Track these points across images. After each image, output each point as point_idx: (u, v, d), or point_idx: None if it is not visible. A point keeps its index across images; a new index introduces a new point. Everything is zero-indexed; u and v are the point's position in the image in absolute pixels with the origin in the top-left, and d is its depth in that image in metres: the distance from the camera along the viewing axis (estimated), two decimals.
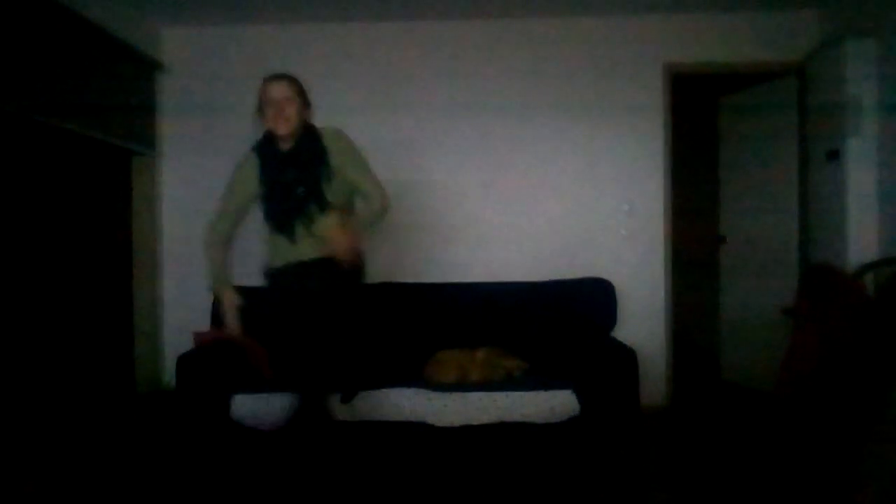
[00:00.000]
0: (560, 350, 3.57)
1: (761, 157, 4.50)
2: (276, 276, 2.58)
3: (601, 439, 3.12)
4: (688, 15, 4.16)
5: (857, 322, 3.00)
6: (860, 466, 2.43)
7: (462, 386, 3.19)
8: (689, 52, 4.18)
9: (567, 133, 4.20)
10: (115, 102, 3.73)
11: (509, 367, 3.40)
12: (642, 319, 4.13)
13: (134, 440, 3.48)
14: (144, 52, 3.97)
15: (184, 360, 3.23)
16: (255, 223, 4.31)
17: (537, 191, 4.20)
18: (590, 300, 3.82)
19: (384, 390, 3.07)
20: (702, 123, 5.23)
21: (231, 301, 2.62)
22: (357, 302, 2.60)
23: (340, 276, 2.46)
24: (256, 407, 3.13)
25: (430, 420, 3.04)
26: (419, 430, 2.99)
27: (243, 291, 3.24)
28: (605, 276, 3.92)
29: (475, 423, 3.05)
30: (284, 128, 2.45)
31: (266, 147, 2.54)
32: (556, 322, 3.76)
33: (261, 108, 2.51)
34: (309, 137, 2.51)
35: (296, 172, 2.46)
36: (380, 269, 3.54)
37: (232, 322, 2.62)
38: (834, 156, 3.73)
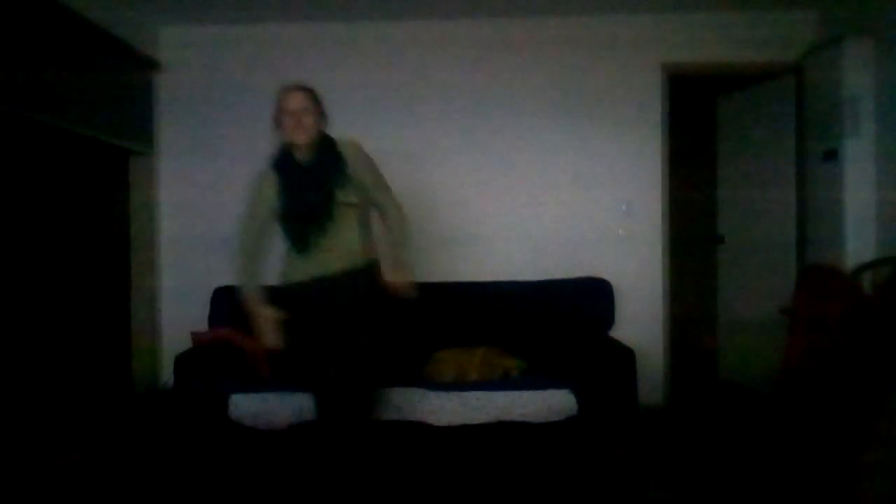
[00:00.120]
0: (558, 349, 3.57)
1: (759, 156, 4.50)
2: (299, 290, 2.53)
3: (599, 438, 3.13)
4: (686, 15, 4.17)
5: (855, 322, 3.01)
6: (859, 467, 2.43)
7: (460, 385, 3.19)
8: (687, 51, 4.18)
9: (565, 133, 4.20)
10: (113, 101, 3.72)
11: (507, 367, 3.40)
12: (640, 319, 4.13)
13: (132, 440, 3.48)
14: (142, 51, 3.97)
15: (182, 360, 3.23)
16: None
17: (535, 190, 4.20)
18: (588, 300, 3.83)
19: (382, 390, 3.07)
20: (700, 123, 5.23)
21: (267, 316, 2.52)
22: (383, 313, 2.60)
23: (365, 289, 2.53)
24: (255, 406, 3.13)
25: (429, 419, 3.04)
26: (418, 430, 2.99)
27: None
28: (603, 275, 3.93)
29: (473, 422, 3.06)
30: (303, 137, 2.45)
31: (283, 160, 2.54)
32: (554, 321, 3.77)
33: (277, 119, 2.51)
34: (326, 147, 2.52)
35: (317, 183, 2.47)
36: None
37: (270, 337, 2.52)
38: (832, 155, 3.73)
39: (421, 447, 2.97)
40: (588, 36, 4.19)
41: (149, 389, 3.99)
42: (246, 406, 3.14)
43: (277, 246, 2.62)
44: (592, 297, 3.83)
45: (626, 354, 3.20)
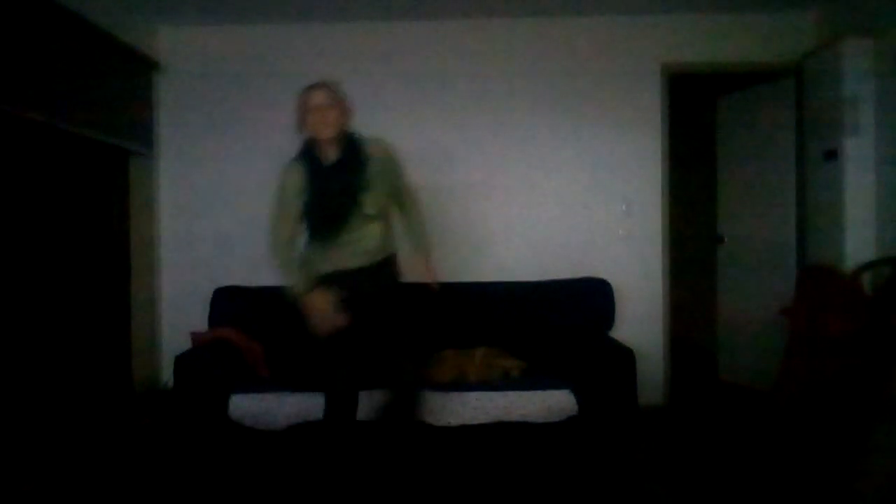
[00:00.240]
0: (558, 350, 3.57)
1: (759, 156, 4.50)
2: (329, 280, 2.56)
3: (599, 439, 3.13)
4: (686, 15, 4.17)
5: (855, 321, 3.01)
6: (859, 467, 2.43)
7: (460, 385, 3.19)
8: (687, 51, 4.18)
9: (565, 133, 4.20)
10: (112, 102, 3.72)
11: (507, 367, 3.40)
12: (640, 319, 4.13)
13: (132, 440, 3.48)
14: (141, 51, 3.96)
15: (182, 360, 3.23)
16: (250, 224, 4.31)
17: (535, 191, 4.20)
18: (588, 300, 3.82)
19: (379, 391, 3.07)
20: (700, 123, 5.23)
21: (321, 299, 2.51)
22: (405, 306, 2.70)
23: (387, 282, 2.63)
24: (255, 406, 3.13)
25: (429, 419, 3.03)
26: (417, 430, 2.98)
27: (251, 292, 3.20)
28: (603, 275, 3.93)
29: (473, 422, 3.06)
30: (327, 132, 2.49)
31: (309, 154, 2.57)
32: (554, 322, 3.76)
33: (301, 117, 2.55)
34: (352, 146, 2.56)
35: (341, 181, 2.51)
36: None
37: (330, 320, 2.49)
38: (832, 155, 3.73)
39: (421, 447, 2.97)
40: (588, 36, 4.19)
41: (149, 389, 3.99)
42: (246, 406, 3.14)
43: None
44: (592, 297, 3.82)
45: (626, 354, 3.20)
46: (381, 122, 4.13)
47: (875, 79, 3.58)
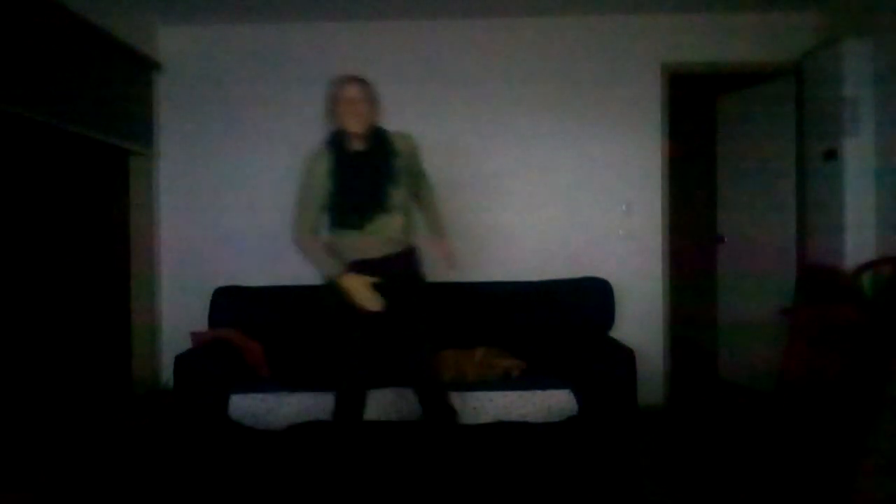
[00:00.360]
0: (558, 350, 3.57)
1: (759, 156, 4.50)
2: (355, 269, 2.58)
3: (599, 439, 3.13)
4: (686, 14, 4.17)
5: (855, 321, 3.01)
6: (858, 466, 2.43)
7: (460, 385, 3.19)
8: (687, 51, 4.18)
9: (565, 133, 4.20)
10: (112, 102, 3.72)
11: (507, 367, 3.40)
12: (640, 319, 4.13)
13: (132, 440, 3.48)
14: (141, 51, 3.96)
15: (182, 360, 3.23)
16: (250, 224, 4.31)
17: (535, 191, 4.20)
18: (588, 300, 3.82)
19: (383, 390, 3.07)
20: (700, 123, 5.23)
21: (358, 281, 2.53)
22: (430, 295, 2.78)
23: (414, 272, 2.72)
24: (255, 406, 3.13)
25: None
26: (417, 430, 2.98)
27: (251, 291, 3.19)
28: (603, 275, 3.93)
29: (473, 422, 3.05)
30: (358, 125, 2.53)
31: (337, 144, 2.60)
32: (554, 321, 3.76)
33: (331, 109, 2.58)
34: (380, 139, 2.61)
35: (369, 172, 2.56)
36: None
37: (370, 301, 2.50)
38: (831, 155, 3.73)
39: (421, 447, 2.97)
40: (588, 36, 4.19)
41: (149, 389, 3.99)
42: (246, 406, 3.14)
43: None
44: (592, 297, 3.82)
45: (626, 355, 3.20)
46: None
47: (875, 79, 3.58)
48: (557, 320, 3.76)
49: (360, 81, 2.57)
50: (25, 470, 2.95)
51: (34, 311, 3.26)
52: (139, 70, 4.03)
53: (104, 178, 3.88)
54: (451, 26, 4.19)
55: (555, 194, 4.21)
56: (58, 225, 3.44)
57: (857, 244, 3.60)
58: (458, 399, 3.06)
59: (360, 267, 2.58)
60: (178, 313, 4.17)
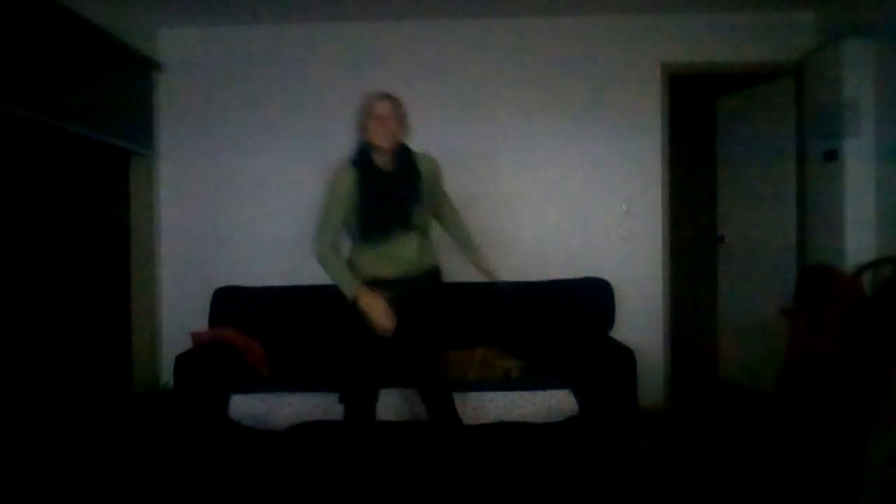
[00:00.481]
0: (558, 350, 3.57)
1: (759, 157, 4.50)
2: (381, 286, 2.62)
3: (599, 439, 3.13)
4: (686, 15, 4.16)
5: (855, 322, 3.01)
6: (859, 467, 2.43)
7: (460, 385, 3.19)
8: (687, 52, 4.18)
9: (565, 133, 4.20)
10: (113, 102, 3.72)
11: (507, 367, 3.40)
12: (640, 319, 4.13)
13: (132, 440, 3.47)
14: (142, 51, 3.96)
15: (182, 360, 3.23)
16: (250, 224, 4.32)
17: (535, 191, 4.20)
18: (588, 300, 3.82)
19: (386, 391, 3.07)
20: (700, 123, 5.23)
21: (377, 299, 2.55)
22: (445, 315, 2.81)
23: (429, 292, 2.74)
24: (255, 406, 3.13)
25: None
26: (418, 430, 2.98)
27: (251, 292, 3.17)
28: (603, 276, 3.93)
29: (473, 423, 3.05)
30: (386, 141, 2.57)
31: (364, 159, 2.63)
32: (554, 322, 3.76)
33: (362, 123, 2.62)
34: (405, 159, 2.65)
35: (396, 191, 2.60)
36: None
37: (386, 319, 2.52)
38: (832, 156, 3.73)
39: (421, 447, 2.97)
40: (588, 36, 4.19)
41: (149, 389, 3.99)
42: (246, 406, 3.14)
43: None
44: (593, 297, 3.82)
45: (626, 355, 3.20)
46: None
47: (875, 79, 3.58)
48: (557, 320, 3.76)
49: (392, 99, 2.63)
50: (26, 469, 2.95)
51: (35, 311, 3.26)
52: (139, 70, 4.03)
53: (104, 178, 3.88)
54: (450, 27, 4.19)
55: (555, 194, 4.20)
56: (58, 225, 3.44)
57: (857, 244, 3.60)
58: (458, 399, 3.06)
59: (377, 285, 2.61)
60: (178, 313, 4.16)
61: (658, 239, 4.21)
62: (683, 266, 4.72)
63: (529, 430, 3.09)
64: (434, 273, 2.77)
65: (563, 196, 4.20)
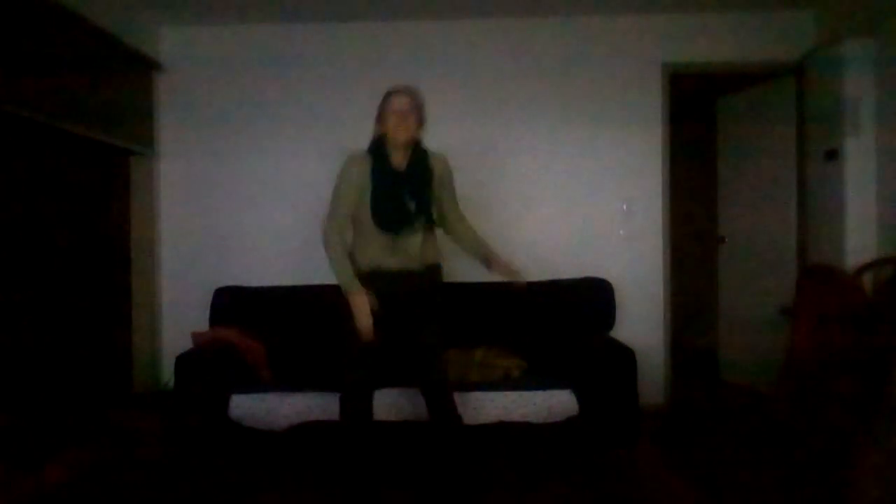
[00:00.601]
0: (559, 350, 3.57)
1: (760, 157, 4.50)
2: (367, 279, 2.61)
3: (599, 439, 3.13)
4: (686, 14, 4.16)
5: (856, 322, 3.01)
6: (858, 466, 2.43)
7: (460, 385, 3.19)
8: (687, 51, 4.18)
9: (565, 132, 4.20)
10: (113, 102, 3.72)
11: (508, 367, 3.40)
12: (641, 319, 4.13)
13: (132, 440, 3.47)
14: (142, 51, 3.96)
15: (182, 360, 3.23)
16: (250, 224, 4.31)
17: (535, 191, 4.20)
18: (588, 300, 3.82)
19: (384, 390, 3.07)
20: (700, 123, 5.23)
21: (366, 303, 2.56)
22: (443, 314, 2.78)
23: (429, 287, 2.72)
24: (255, 406, 3.13)
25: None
26: (418, 430, 2.98)
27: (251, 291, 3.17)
28: (603, 276, 3.92)
29: (473, 423, 3.05)
30: (404, 135, 2.57)
31: (378, 153, 2.62)
32: (554, 321, 3.76)
33: (381, 116, 2.63)
34: (420, 157, 2.65)
35: (409, 188, 2.60)
36: None
37: (366, 324, 2.54)
38: (832, 155, 3.74)
39: (421, 447, 2.97)
40: (588, 36, 4.18)
41: (149, 389, 3.98)
42: (246, 406, 3.14)
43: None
44: (593, 297, 3.82)
45: (626, 355, 3.20)
46: (373, 122, 4.14)
47: (876, 79, 3.58)
48: (558, 320, 3.76)
49: (413, 93, 2.62)
50: (26, 469, 2.95)
51: (35, 311, 3.26)
52: (140, 70, 4.03)
53: (105, 178, 3.88)
54: (450, 27, 4.19)
55: (555, 194, 4.20)
56: (59, 225, 3.44)
57: (857, 244, 3.60)
58: (458, 399, 3.06)
59: (377, 276, 2.61)
60: (178, 313, 4.16)
61: (658, 239, 4.21)
62: (683, 265, 4.73)
63: (530, 429, 3.09)
64: (434, 269, 2.76)
65: (564, 196, 4.20)
